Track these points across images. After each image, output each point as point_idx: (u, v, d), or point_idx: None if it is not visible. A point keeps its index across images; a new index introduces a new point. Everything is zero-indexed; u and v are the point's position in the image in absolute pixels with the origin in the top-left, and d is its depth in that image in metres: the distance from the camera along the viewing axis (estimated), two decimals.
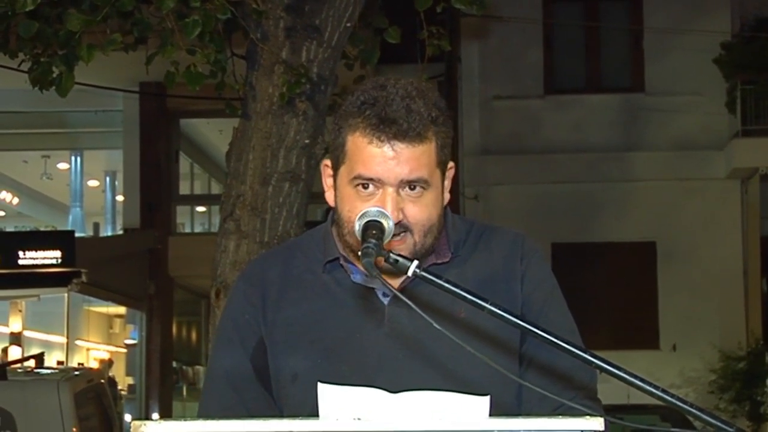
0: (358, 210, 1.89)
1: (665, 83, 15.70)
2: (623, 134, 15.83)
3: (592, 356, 1.66)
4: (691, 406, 1.60)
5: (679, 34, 15.34)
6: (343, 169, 1.97)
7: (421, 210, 1.94)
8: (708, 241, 15.44)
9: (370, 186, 1.92)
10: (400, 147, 1.90)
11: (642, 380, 1.62)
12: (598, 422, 1.50)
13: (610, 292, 15.35)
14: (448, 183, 2.03)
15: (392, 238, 1.88)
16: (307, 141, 5.04)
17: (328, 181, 2.05)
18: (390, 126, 1.89)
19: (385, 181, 1.91)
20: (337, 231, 2.04)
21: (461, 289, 1.72)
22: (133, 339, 18.10)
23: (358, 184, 1.93)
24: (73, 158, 19.56)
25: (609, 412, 1.75)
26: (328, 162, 2.05)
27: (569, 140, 15.68)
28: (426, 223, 1.96)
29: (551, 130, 15.75)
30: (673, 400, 1.61)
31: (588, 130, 15.76)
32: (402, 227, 1.92)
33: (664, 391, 1.61)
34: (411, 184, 1.92)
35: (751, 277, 15.53)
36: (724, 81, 15.45)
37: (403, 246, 1.91)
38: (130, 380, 18.09)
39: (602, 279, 15.30)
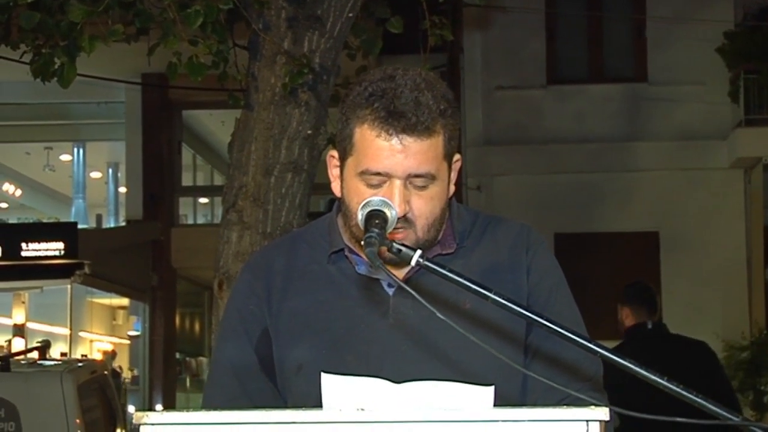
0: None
1: (668, 73, 15.65)
2: (626, 124, 15.78)
3: (597, 346, 1.65)
4: (696, 395, 1.60)
5: (682, 23, 15.29)
6: (350, 161, 1.95)
7: (427, 203, 1.93)
8: (711, 231, 15.41)
9: (378, 178, 1.91)
10: (409, 141, 1.89)
11: (646, 369, 1.62)
12: (604, 412, 1.50)
13: (613, 282, 15.23)
14: (454, 175, 2.01)
15: (394, 231, 1.87)
16: (309, 131, 5.03)
17: (334, 172, 2.04)
18: (399, 119, 1.88)
19: (393, 174, 1.89)
20: (344, 222, 2.03)
21: (466, 279, 1.71)
22: (137, 330, 18.13)
23: (365, 177, 1.92)
24: (75, 150, 19.57)
25: None
26: (334, 153, 2.04)
27: (572, 130, 15.64)
28: (430, 216, 1.95)
29: (554, 120, 15.71)
30: (678, 389, 1.60)
31: (591, 121, 15.72)
32: (406, 221, 1.91)
33: (668, 380, 1.61)
34: (418, 178, 1.91)
35: (755, 267, 15.50)
36: (727, 70, 15.39)
37: (404, 240, 1.89)
38: (133, 371, 18.12)
39: (605, 269, 15.25)
